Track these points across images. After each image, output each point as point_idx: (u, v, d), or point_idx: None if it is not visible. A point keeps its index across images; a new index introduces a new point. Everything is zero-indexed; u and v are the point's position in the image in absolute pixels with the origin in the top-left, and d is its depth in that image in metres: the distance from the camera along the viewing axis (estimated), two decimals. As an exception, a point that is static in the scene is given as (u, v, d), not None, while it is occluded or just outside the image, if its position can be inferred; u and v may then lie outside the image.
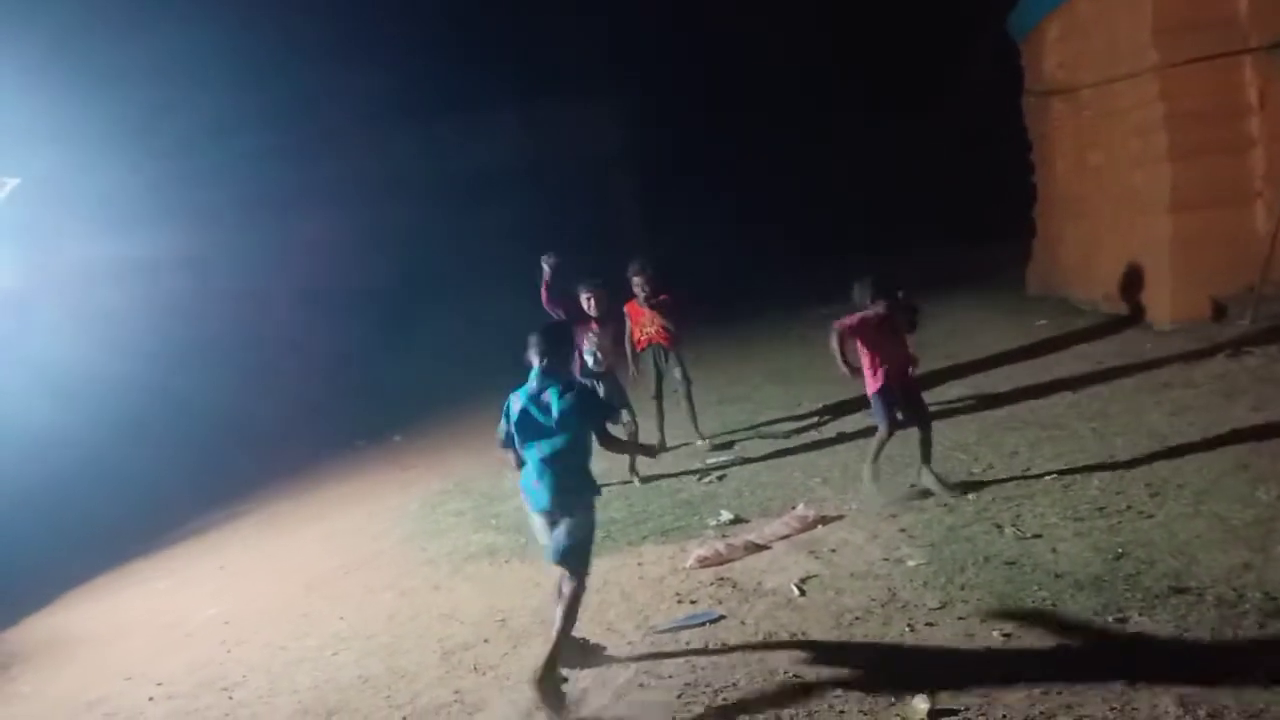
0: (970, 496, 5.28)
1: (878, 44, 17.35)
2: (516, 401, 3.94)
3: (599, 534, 5.71)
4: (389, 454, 9.53)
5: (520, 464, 4.03)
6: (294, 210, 14.19)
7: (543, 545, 4.03)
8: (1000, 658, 3.60)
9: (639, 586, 4.88)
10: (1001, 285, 11.74)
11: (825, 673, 3.72)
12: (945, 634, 3.85)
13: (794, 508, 5.55)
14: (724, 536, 5.36)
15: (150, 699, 4.78)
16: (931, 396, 7.65)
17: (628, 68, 17.38)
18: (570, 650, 3.92)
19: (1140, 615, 3.72)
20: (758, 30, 17.92)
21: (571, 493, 3.90)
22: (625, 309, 7.22)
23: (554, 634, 3.77)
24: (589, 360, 6.59)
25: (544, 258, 6.71)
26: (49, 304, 10.52)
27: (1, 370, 9.27)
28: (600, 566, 5.15)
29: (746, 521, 5.61)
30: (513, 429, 3.96)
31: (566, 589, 3.86)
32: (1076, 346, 8.41)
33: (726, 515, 5.73)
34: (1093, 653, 3.53)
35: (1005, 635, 3.75)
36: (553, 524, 3.91)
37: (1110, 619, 3.73)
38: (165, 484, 8.94)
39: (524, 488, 3.99)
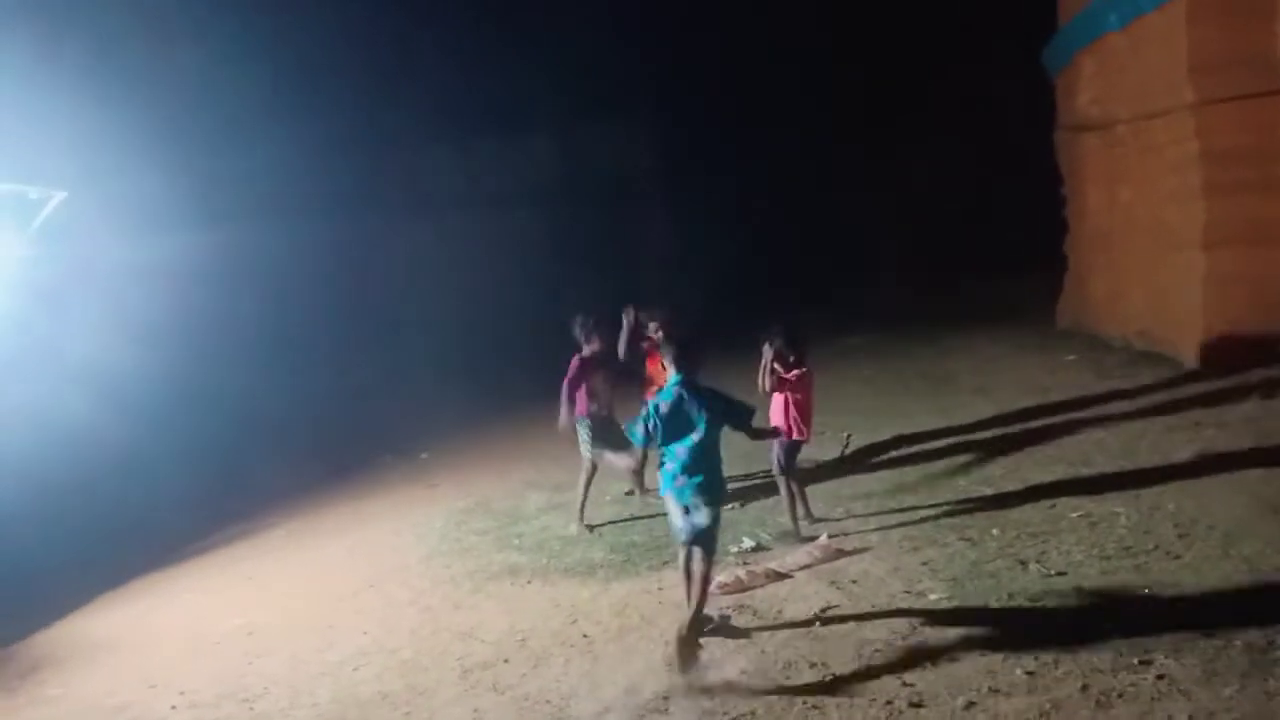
0: (994, 531, 5.25)
1: (906, 71, 17.41)
2: (664, 405, 4.37)
3: (619, 558, 5.79)
4: (415, 470, 9.59)
5: (642, 461, 4.74)
6: (331, 220, 14.38)
7: (677, 528, 4.39)
8: (1022, 696, 3.56)
9: (659, 612, 4.88)
10: (1031, 319, 11.67)
11: (844, 704, 3.70)
12: (966, 670, 3.82)
13: (816, 537, 5.54)
14: (745, 564, 5.35)
15: (173, 707, 4.84)
16: (959, 431, 7.64)
17: (658, 89, 17.55)
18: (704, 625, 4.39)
19: (1167, 659, 3.67)
20: (787, 52, 18.00)
21: (716, 484, 4.39)
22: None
23: (692, 606, 4.29)
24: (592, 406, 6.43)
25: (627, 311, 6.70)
26: (87, 305, 10.68)
27: (40, 370, 9.42)
28: (620, 591, 5.18)
29: (768, 549, 5.60)
30: (656, 430, 4.35)
31: (697, 569, 4.34)
32: (1106, 383, 8.33)
33: (748, 543, 5.72)
34: (1117, 695, 3.49)
35: (1028, 674, 3.71)
36: (688, 511, 4.35)
37: (1136, 661, 3.68)
38: (194, 493, 9.04)
39: (668, 480, 4.40)
